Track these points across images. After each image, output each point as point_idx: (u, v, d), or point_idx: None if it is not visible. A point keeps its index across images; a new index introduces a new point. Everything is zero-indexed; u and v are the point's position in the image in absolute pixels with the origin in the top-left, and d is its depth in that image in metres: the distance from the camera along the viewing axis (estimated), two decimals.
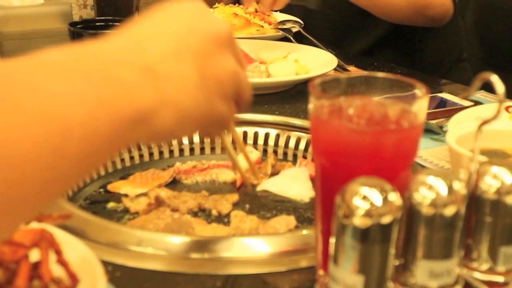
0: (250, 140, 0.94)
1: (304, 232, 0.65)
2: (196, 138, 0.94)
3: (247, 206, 0.79)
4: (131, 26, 0.48)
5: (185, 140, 0.93)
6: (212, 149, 0.94)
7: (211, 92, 0.51)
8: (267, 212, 0.77)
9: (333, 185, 0.49)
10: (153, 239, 0.63)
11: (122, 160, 0.89)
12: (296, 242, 0.64)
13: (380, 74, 0.55)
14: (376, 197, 0.44)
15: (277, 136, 0.94)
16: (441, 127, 0.94)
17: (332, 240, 0.47)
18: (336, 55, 1.25)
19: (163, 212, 0.74)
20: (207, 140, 0.94)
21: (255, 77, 1.15)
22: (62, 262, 0.50)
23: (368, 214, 0.44)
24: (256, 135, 0.95)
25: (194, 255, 0.62)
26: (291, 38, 1.45)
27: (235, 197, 0.79)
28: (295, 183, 0.82)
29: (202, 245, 0.63)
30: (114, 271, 0.59)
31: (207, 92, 0.50)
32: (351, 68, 1.27)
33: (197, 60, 0.49)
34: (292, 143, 0.93)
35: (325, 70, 1.14)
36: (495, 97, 0.48)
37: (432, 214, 0.47)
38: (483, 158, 0.58)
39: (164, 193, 0.78)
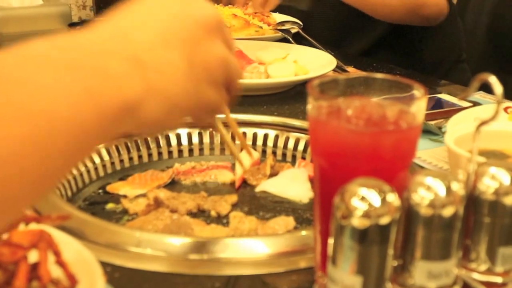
0: (249, 141, 0.94)
1: (303, 233, 0.65)
2: (195, 139, 0.94)
3: (246, 207, 0.79)
4: (117, 15, 0.48)
5: (184, 141, 0.93)
6: (211, 150, 0.94)
7: (200, 79, 0.50)
8: (266, 213, 0.77)
9: (331, 186, 0.49)
10: (152, 240, 0.63)
11: (121, 161, 0.89)
12: (295, 243, 0.64)
13: (379, 75, 0.55)
14: (374, 198, 0.44)
15: (276, 137, 0.94)
16: (439, 128, 0.94)
17: (331, 241, 0.47)
18: (335, 56, 1.25)
19: (162, 213, 0.74)
20: (206, 141, 0.94)
21: (254, 78, 1.15)
22: (61, 263, 0.50)
23: (366, 215, 0.44)
24: (255, 136, 0.95)
25: (193, 256, 0.62)
26: (290, 39, 1.45)
27: (234, 198, 0.79)
28: (294, 184, 0.83)
29: (201, 246, 0.63)
30: (113, 272, 0.59)
31: (196, 79, 0.50)
32: (350, 69, 1.28)
33: (185, 48, 0.49)
34: (291, 144, 0.93)
35: (324, 71, 1.14)
36: (493, 98, 0.48)
37: (430, 215, 0.47)
38: (482, 159, 0.58)
39: (163, 194, 0.78)
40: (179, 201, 0.77)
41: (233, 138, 0.79)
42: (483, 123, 0.50)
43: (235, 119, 0.69)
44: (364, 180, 0.46)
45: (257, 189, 0.83)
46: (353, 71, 1.26)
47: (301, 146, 0.92)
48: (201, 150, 0.94)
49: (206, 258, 0.62)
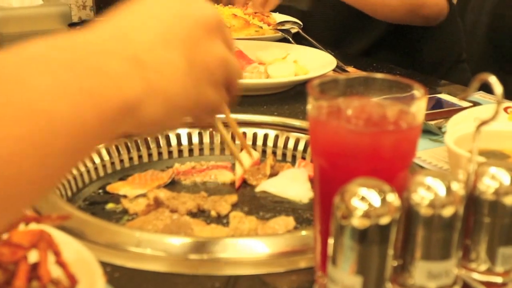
0: (249, 141, 0.94)
1: (303, 233, 0.65)
2: (195, 139, 0.94)
3: (246, 207, 0.79)
4: (117, 15, 0.48)
5: (184, 141, 0.93)
6: (211, 150, 0.94)
7: (200, 79, 0.50)
8: (266, 213, 0.77)
9: (331, 186, 0.49)
10: (152, 240, 0.63)
11: (121, 161, 0.89)
12: (295, 243, 0.64)
13: (379, 75, 0.55)
14: (374, 198, 0.44)
15: (276, 137, 0.94)
16: (439, 128, 0.94)
17: (331, 241, 0.47)
18: (335, 56, 1.25)
19: (162, 213, 0.74)
20: (206, 141, 0.94)
21: (254, 78, 1.15)
22: (61, 263, 0.50)
23: (366, 215, 0.44)
24: (255, 136, 0.95)
25: (193, 256, 0.62)
26: (290, 39, 1.45)
27: (234, 198, 0.79)
28: (294, 184, 0.83)
29: (201, 246, 0.63)
30: (113, 272, 0.59)
31: (196, 79, 0.50)
32: (350, 69, 1.28)
33: (185, 48, 0.49)
34: (291, 144, 0.93)
35: (324, 71, 1.14)
36: (493, 98, 0.48)
37: (430, 215, 0.47)
38: (482, 159, 0.58)
39: (163, 194, 0.78)
40: (179, 201, 0.77)
41: (233, 138, 0.79)
42: (483, 123, 0.50)
43: (235, 119, 0.69)
44: (364, 180, 0.46)
45: (257, 189, 0.83)
46: (353, 71, 1.27)
47: (301, 146, 0.92)
48: (201, 150, 0.94)
49: (206, 258, 0.62)
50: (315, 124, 0.52)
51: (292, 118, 0.97)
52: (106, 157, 0.87)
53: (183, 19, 0.50)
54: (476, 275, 0.52)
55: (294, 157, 0.93)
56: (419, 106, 0.51)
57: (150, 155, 0.91)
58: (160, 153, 0.92)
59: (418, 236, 0.48)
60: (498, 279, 0.52)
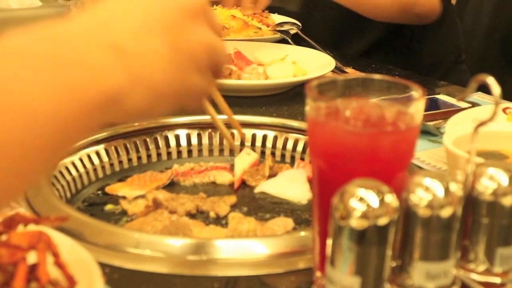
0: (247, 142, 0.94)
1: (302, 233, 0.65)
2: (194, 140, 0.94)
3: (245, 208, 0.79)
4: (97, 3, 0.47)
5: (183, 142, 0.93)
6: (210, 151, 0.94)
7: (184, 65, 0.49)
8: (265, 214, 0.77)
9: (330, 187, 0.49)
10: (151, 241, 0.63)
11: (120, 162, 0.89)
12: (293, 243, 0.64)
13: (377, 76, 0.55)
14: (372, 199, 0.44)
15: (275, 138, 0.94)
16: (438, 129, 0.94)
17: (329, 242, 0.47)
18: (334, 57, 1.25)
19: (161, 214, 0.74)
20: (205, 142, 0.94)
21: (253, 79, 1.15)
22: (59, 264, 0.50)
23: (364, 215, 0.44)
24: (254, 137, 0.95)
25: (192, 257, 0.62)
26: (289, 40, 1.45)
27: (233, 199, 0.79)
28: (293, 185, 0.83)
29: (200, 247, 0.63)
30: (111, 273, 0.59)
31: (180, 66, 0.49)
32: (349, 70, 1.28)
33: (168, 34, 0.48)
34: (290, 145, 0.93)
35: (323, 72, 1.14)
36: (492, 99, 0.48)
37: (428, 216, 0.47)
38: (480, 160, 0.58)
39: (162, 195, 0.78)
40: (178, 202, 0.77)
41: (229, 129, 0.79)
42: (482, 124, 0.50)
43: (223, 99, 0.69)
44: (362, 181, 0.46)
45: (256, 190, 0.83)
46: (351, 72, 1.27)
47: (300, 147, 0.92)
48: (200, 151, 0.94)
49: (205, 259, 0.62)
50: (314, 125, 0.52)
51: (291, 119, 0.97)
52: (105, 158, 0.87)
53: (165, 5, 0.49)
54: (474, 276, 0.52)
55: (293, 158, 0.93)
56: (418, 107, 0.51)
57: (149, 156, 0.91)
58: (159, 154, 0.92)
59: (416, 237, 0.48)
60: (497, 280, 0.52)
